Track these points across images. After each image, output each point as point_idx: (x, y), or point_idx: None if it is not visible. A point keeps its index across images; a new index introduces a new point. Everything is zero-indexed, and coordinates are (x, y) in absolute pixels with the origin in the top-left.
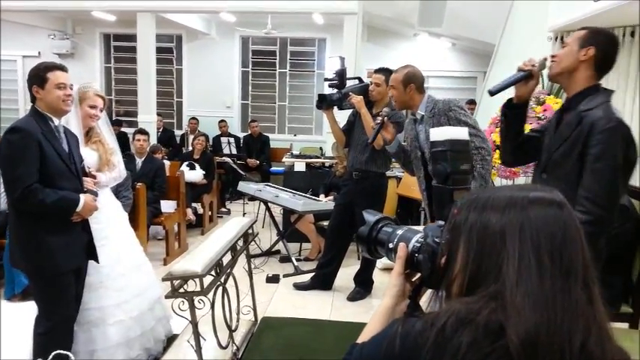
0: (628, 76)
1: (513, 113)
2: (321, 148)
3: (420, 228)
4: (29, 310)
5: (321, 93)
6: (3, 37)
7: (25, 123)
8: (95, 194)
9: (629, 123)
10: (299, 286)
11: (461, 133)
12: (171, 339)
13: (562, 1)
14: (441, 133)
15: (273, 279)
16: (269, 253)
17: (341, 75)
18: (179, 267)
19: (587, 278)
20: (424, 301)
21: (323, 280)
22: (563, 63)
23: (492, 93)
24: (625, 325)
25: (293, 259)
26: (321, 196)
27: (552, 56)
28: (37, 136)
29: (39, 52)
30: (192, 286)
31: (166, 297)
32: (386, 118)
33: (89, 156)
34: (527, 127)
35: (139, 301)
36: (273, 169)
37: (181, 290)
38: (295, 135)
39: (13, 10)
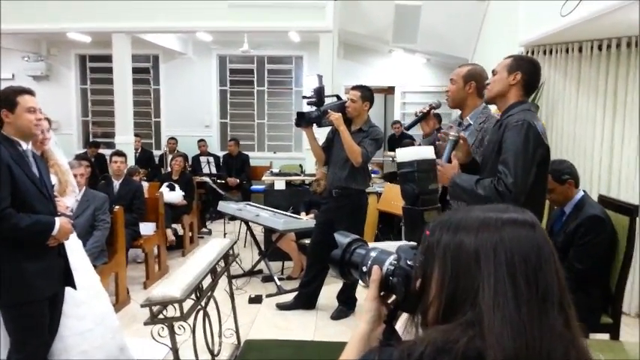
0: (597, 88)
1: (467, 170)
2: (300, 166)
3: (394, 248)
4: None
5: (300, 111)
6: None
7: None
8: (70, 217)
9: (589, 134)
10: (282, 307)
11: (427, 152)
12: None
13: (532, 16)
14: (407, 154)
15: (256, 300)
16: (251, 273)
17: (319, 93)
18: (157, 292)
19: (563, 301)
20: (400, 325)
21: (306, 300)
22: (496, 88)
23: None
24: (606, 336)
25: (275, 278)
26: (302, 214)
27: (486, 84)
28: (7, 160)
29: (13, 75)
30: (171, 311)
31: (145, 323)
32: (432, 109)
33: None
34: None
35: (102, 330)
36: (253, 187)
37: (160, 316)
38: (275, 152)
39: None
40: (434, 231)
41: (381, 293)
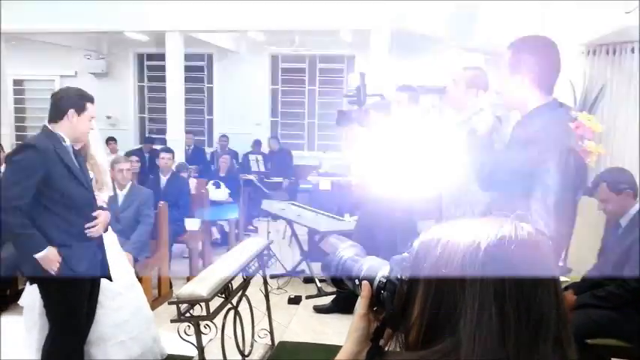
0: None
1: None
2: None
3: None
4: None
5: (341, 109)
6: (42, 58)
7: (40, 141)
8: (108, 210)
9: None
10: (319, 309)
11: None
12: None
13: (593, 14)
14: None
15: (295, 300)
16: (293, 273)
17: (360, 91)
18: (185, 290)
19: (561, 337)
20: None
21: (344, 303)
22: (506, 96)
23: None
24: None
25: (316, 279)
26: (346, 216)
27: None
28: (48, 153)
29: (75, 72)
30: (199, 309)
31: (172, 321)
32: None
33: None
34: None
35: (137, 321)
36: (301, 186)
37: (188, 314)
38: (324, 152)
39: (50, 32)
40: (422, 243)
41: (374, 308)
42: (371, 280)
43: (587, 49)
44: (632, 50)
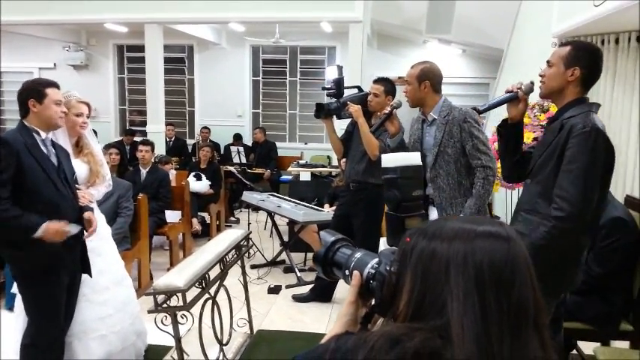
0: (634, 82)
1: (508, 132)
2: (328, 157)
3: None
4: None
5: (319, 102)
6: (20, 50)
7: (10, 135)
8: (91, 210)
9: (624, 132)
10: (298, 298)
11: (413, 158)
12: (162, 352)
13: (565, 6)
14: (391, 160)
15: (275, 290)
16: (273, 263)
17: (338, 84)
18: (162, 281)
19: (538, 321)
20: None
21: (321, 292)
22: (552, 84)
23: (480, 112)
24: (626, 344)
25: (296, 269)
26: (326, 206)
27: (541, 76)
28: (18, 146)
29: (54, 64)
30: (175, 300)
31: (149, 312)
32: (394, 109)
33: (80, 168)
34: (531, 136)
35: (121, 316)
36: (283, 177)
37: (164, 305)
38: (306, 143)
39: (28, 24)
40: (411, 237)
41: (365, 296)
42: (361, 271)
43: (559, 40)
44: (602, 42)
